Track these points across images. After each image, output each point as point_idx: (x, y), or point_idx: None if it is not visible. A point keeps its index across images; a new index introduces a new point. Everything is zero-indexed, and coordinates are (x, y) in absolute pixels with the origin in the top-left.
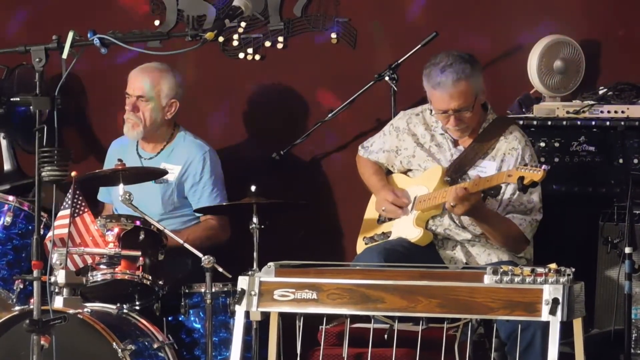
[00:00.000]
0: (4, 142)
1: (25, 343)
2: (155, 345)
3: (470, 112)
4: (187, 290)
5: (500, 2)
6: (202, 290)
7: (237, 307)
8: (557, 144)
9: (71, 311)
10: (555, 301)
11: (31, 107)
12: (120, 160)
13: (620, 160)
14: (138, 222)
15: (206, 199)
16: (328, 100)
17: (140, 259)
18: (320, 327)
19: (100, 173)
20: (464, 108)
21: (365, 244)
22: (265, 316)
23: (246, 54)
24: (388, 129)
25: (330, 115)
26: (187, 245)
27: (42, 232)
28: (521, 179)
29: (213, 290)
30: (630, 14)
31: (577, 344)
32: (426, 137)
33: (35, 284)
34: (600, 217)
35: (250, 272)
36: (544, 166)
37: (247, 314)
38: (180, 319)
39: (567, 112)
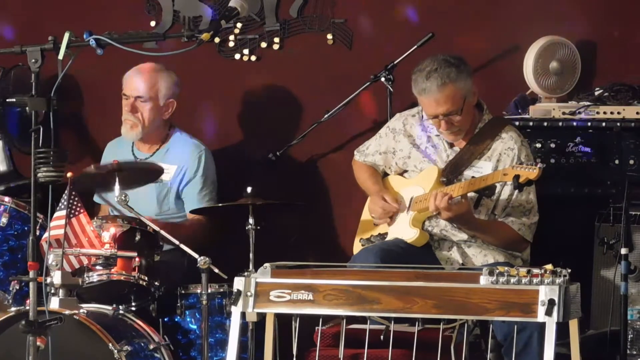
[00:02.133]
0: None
1: (21, 344)
2: (152, 346)
3: (459, 116)
4: (183, 291)
5: (496, 3)
6: (198, 291)
7: (233, 308)
8: (553, 145)
9: (67, 312)
10: (551, 302)
11: (27, 108)
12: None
13: (616, 161)
14: (134, 223)
15: (194, 198)
16: (324, 101)
17: (136, 259)
18: (317, 328)
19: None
20: (453, 112)
21: (362, 245)
22: (261, 317)
23: (242, 55)
24: (384, 131)
25: (326, 116)
26: (183, 246)
27: (38, 233)
28: (517, 177)
29: (209, 291)
30: (625, 15)
31: (573, 344)
32: (422, 138)
33: (31, 284)
34: (596, 218)
35: (246, 273)
36: (539, 164)
37: (243, 314)
38: (176, 319)
39: (563, 113)
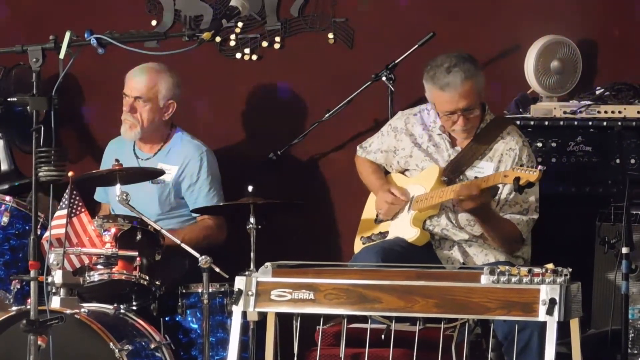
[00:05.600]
0: (0, 143)
1: (23, 343)
2: (152, 346)
3: (477, 111)
4: (184, 291)
5: (497, 2)
6: (199, 290)
7: (234, 307)
8: (554, 144)
9: (68, 311)
10: (552, 301)
11: (28, 107)
12: (117, 160)
13: (617, 161)
14: (135, 223)
15: (203, 199)
16: (325, 100)
17: (137, 259)
18: (318, 327)
19: (97, 173)
20: (472, 107)
21: (363, 243)
22: (262, 316)
23: (243, 54)
24: (386, 129)
25: (327, 115)
26: (184, 246)
27: (39, 232)
28: (517, 179)
29: (210, 290)
30: (626, 14)
31: (574, 344)
32: (424, 137)
33: (32, 284)
34: (597, 217)
35: (247, 272)
36: (539, 166)
37: (244, 314)
38: (177, 319)
39: (564, 112)
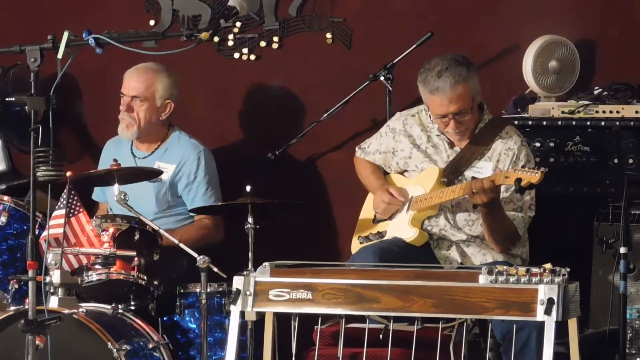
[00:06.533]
0: None
1: (21, 343)
2: (151, 345)
3: (469, 115)
4: (182, 290)
5: (495, 2)
6: (198, 290)
7: (232, 307)
8: (552, 144)
9: (66, 311)
10: (550, 301)
11: (26, 107)
12: (115, 160)
13: (615, 160)
14: (133, 222)
15: (200, 199)
16: (323, 100)
17: (135, 259)
18: (316, 327)
19: (96, 173)
20: (463, 111)
21: (360, 243)
22: (261, 316)
23: (241, 54)
24: (384, 130)
25: (325, 115)
26: (182, 245)
27: (37, 232)
28: (518, 180)
29: (208, 290)
30: (624, 14)
31: (572, 344)
32: (422, 139)
33: (30, 284)
34: (595, 217)
35: (245, 272)
36: (542, 168)
37: (242, 314)
38: (175, 319)
39: (562, 112)
